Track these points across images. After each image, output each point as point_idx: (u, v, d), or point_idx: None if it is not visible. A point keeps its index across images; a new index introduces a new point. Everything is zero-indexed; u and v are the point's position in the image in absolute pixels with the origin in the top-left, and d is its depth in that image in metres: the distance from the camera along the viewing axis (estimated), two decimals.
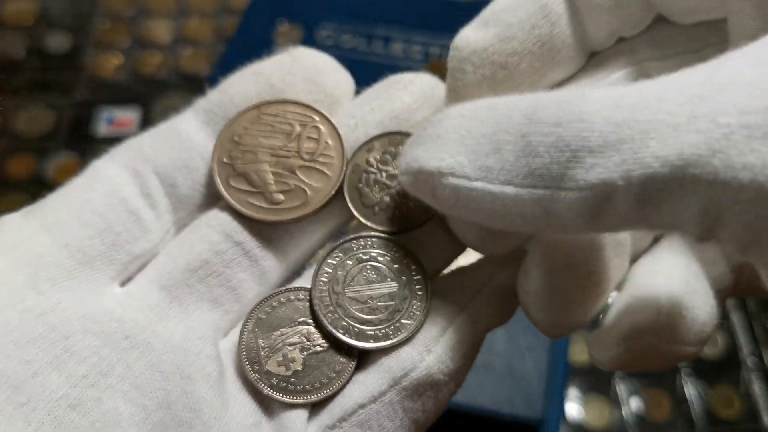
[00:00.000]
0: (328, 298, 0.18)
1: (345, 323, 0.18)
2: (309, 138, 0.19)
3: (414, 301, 0.18)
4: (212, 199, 0.19)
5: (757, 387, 0.41)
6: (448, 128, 0.15)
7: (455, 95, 0.18)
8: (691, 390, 0.41)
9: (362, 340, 0.18)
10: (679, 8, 0.17)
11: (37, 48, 0.56)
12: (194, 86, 0.53)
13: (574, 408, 0.41)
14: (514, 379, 0.35)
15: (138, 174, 0.18)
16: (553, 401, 0.38)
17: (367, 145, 0.19)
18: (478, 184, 0.14)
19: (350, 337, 0.18)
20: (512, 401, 0.35)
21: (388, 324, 0.18)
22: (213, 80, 0.47)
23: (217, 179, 0.19)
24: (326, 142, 0.19)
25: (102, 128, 0.51)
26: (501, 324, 0.19)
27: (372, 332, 0.18)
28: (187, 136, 0.19)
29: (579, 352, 0.43)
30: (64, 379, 0.16)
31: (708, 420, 0.40)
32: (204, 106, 0.20)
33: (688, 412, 0.41)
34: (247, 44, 0.47)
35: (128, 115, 0.52)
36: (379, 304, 0.18)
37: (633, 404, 0.41)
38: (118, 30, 0.57)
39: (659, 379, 0.42)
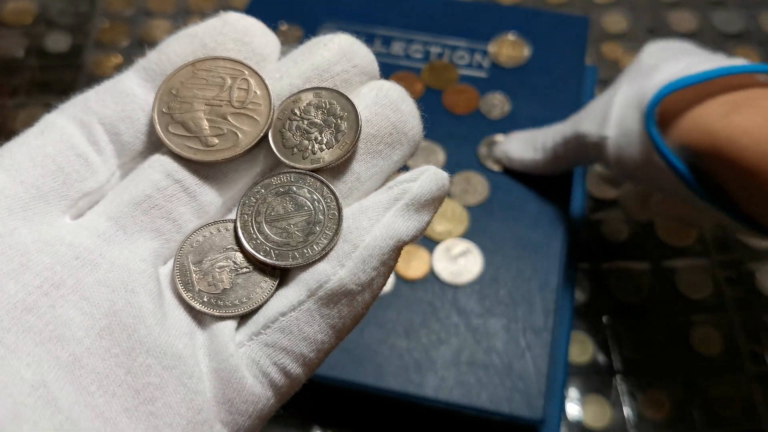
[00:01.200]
0: (251, 226, 0.21)
1: (266, 247, 0.20)
2: (239, 89, 0.21)
3: (328, 223, 0.21)
4: (152, 146, 0.22)
5: (757, 387, 0.41)
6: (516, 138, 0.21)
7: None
8: (691, 390, 0.41)
9: (282, 260, 0.20)
10: None
11: (37, 48, 0.56)
12: None
13: (574, 408, 0.41)
14: (514, 379, 0.35)
15: (85, 124, 0.21)
16: (553, 401, 0.38)
17: (294, 96, 0.22)
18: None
19: (270, 258, 0.20)
20: (512, 401, 0.35)
21: (304, 245, 0.20)
22: None
23: (158, 127, 0.21)
24: (255, 92, 0.21)
25: None
26: (415, 237, 0.21)
27: (290, 253, 0.20)
28: (130, 90, 0.21)
29: (579, 352, 0.43)
30: (21, 287, 0.18)
31: (708, 420, 0.40)
32: (143, 65, 0.22)
33: (688, 412, 0.41)
34: None
35: None
36: (295, 230, 0.21)
37: (633, 404, 0.41)
38: (117, 30, 0.57)
39: (659, 379, 0.42)
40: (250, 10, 0.48)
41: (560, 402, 0.39)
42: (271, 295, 0.20)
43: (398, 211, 0.20)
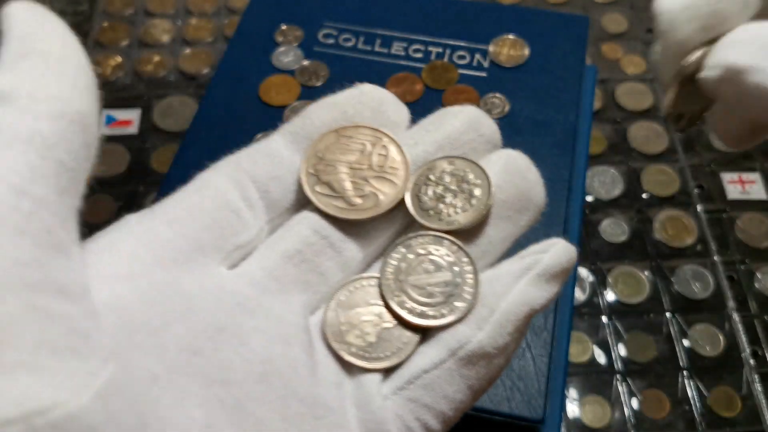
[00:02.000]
0: (393, 285, 0.22)
1: (408, 305, 0.22)
2: (379, 154, 0.24)
3: (465, 287, 0.22)
4: (298, 204, 0.23)
5: (758, 387, 0.41)
6: (752, 38, 0.23)
7: (669, 52, 0.25)
8: (691, 390, 0.41)
9: (423, 319, 0.21)
10: None
11: None
12: (194, 86, 0.53)
13: (574, 408, 0.41)
14: (513, 379, 0.35)
15: (238, 182, 0.22)
16: (553, 401, 0.38)
17: (429, 163, 0.24)
18: None
19: (413, 316, 0.21)
20: (512, 401, 0.35)
21: (445, 306, 0.22)
22: (213, 80, 0.47)
23: (306, 186, 0.23)
24: (393, 158, 0.24)
25: (102, 128, 0.51)
26: (545, 305, 0.22)
27: (431, 312, 0.21)
28: (278, 152, 0.23)
29: (579, 352, 0.43)
30: (188, 330, 0.19)
31: (708, 420, 0.40)
32: (289, 129, 0.24)
33: (688, 412, 0.41)
34: (247, 44, 0.47)
35: (128, 115, 0.52)
36: (436, 289, 0.22)
37: (633, 404, 0.41)
38: (117, 29, 0.57)
39: (659, 379, 0.42)
40: (250, 10, 0.48)
41: (560, 402, 0.39)
42: (413, 351, 0.21)
43: (531, 280, 0.22)
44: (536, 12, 0.49)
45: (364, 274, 0.23)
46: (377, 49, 0.46)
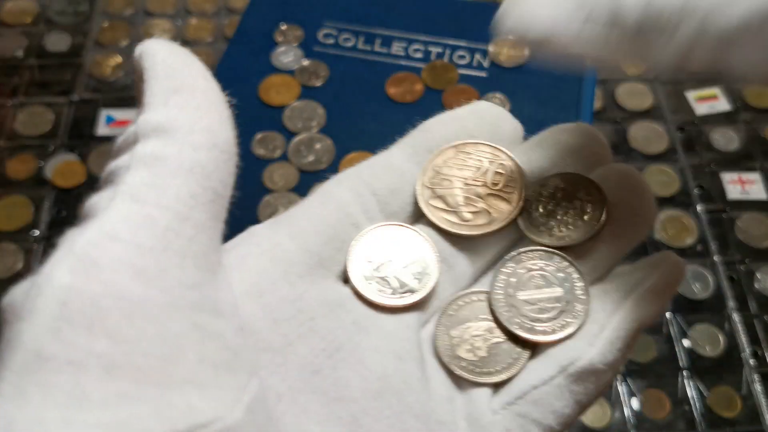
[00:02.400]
0: (503, 300, 0.22)
1: (518, 320, 0.22)
2: (496, 173, 0.24)
3: (576, 304, 0.22)
4: (415, 216, 0.24)
5: (757, 387, 0.41)
6: None
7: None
8: (691, 390, 0.41)
9: (533, 334, 0.21)
10: None
11: (36, 47, 0.56)
12: None
13: None
14: None
15: (359, 195, 0.23)
16: None
17: (543, 180, 0.24)
18: (579, 26, 0.19)
19: (523, 332, 0.22)
20: None
21: (555, 321, 0.21)
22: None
23: (420, 199, 0.23)
24: (510, 176, 0.24)
25: (102, 128, 0.51)
26: (651, 322, 0.22)
27: (541, 328, 0.21)
28: (398, 165, 0.24)
29: None
30: (309, 350, 0.20)
31: (708, 420, 0.40)
32: (410, 143, 0.24)
33: (688, 412, 0.41)
34: (247, 44, 0.47)
35: (128, 115, 0.51)
36: (547, 305, 0.22)
37: (633, 404, 0.41)
38: (117, 29, 0.57)
39: (659, 379, 0.42)
40: (250, 10, 0.48)
41: None
42: (523, 366, 0.21)
43: (641, 296, 0.21)
44: None
45: (474, 289, 0.23)
46: (377, 49, 0.46)
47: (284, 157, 0.41)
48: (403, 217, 0.23)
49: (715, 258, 0.46)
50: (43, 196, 0.48)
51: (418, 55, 0.46)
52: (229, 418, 0.16)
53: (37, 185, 0.48)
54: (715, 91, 0.55)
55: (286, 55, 0.46)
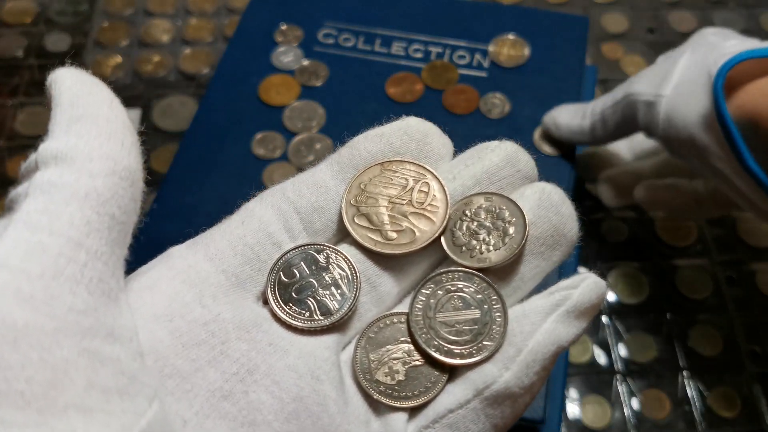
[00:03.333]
0: (422, 321, 0.22)
1: (436, 342, 0.22)
2: (420, 191, 0.24)
3: (494, 326, 0.22)
4: (340, 234, 0.24)
5: (758, 387, 0.41)
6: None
7: None
8: (691, 390, 0.41)
9: (450, 357, 0.21)
10: None
11: (36, 47, 0.56)
12: (194, 86, 0.53)
13: (574, 408, 0.41)
14: None
15: (282, 213, 0.23)
16: (553, 401, 0.38)
17: (466, 199, 0.24)
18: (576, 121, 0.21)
19: (440, 355, 0.22)
20: None
21: (472, 345, 0.21)
22: (213, 80, 0.47)
23: (345, 217, 0.23)
24: (434, 195, 0.24)
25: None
26: (573, 341, 0.22)
27: (459, 351, 0.22)
28: (323, 183, 0.24)
29: (579, 352, 0.43)
30: (220, 374, 0.20)
31: (708, 420, 0.40)
32: (336, 159, 0.24)
33: (688, 412, 0.41)
34: (247, 44, 0.46)
35: (128, 115, 0.51)
36: (464, 327, 0.22)
37: (633, 404, 0.41)
38: (117, 29, 0.57)
39: (659, 379, 0.42)
40: (250, 10, 0.48)
41: (560, 402, 0.39)
42: (441, 390, 0.21)
43: (559, 317, 0.22)
44: (536, 12, 0.49)
45: (394, 310, 0.23)
46: (377, 49, 0.46)
47: (284, 157, 0.41)
48: (327, 236, 0.23)
49: (715, 258, 0.46)
50: None
51: (418, 55, 0.46)
52: None
53: None
54: None
55: (286, 55, 0.46)
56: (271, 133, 0.42)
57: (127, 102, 0.53)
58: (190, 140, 0.42)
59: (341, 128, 0.42)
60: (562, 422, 0.40)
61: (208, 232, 0.23)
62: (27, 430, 0.15)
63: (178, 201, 0.39)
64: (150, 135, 0.51)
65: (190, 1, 0.58)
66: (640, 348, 0.43)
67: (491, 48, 0.46)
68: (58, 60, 0.54)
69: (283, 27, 0.47)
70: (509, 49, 0.46)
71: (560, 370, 0.40)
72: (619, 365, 0.42)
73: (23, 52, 0.55)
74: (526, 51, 0.46)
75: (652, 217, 0.48)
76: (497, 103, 0.44)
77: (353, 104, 0.43)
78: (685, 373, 0.42)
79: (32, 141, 0.50)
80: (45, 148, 0.19)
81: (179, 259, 0.22)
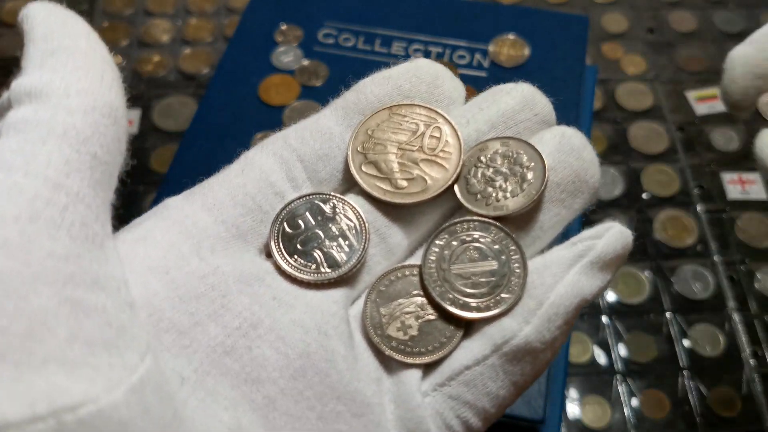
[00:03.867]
0: (436, 274, 0.21)
1: (451, 296, 0.20)
2: (432, 136, 0.22)
3: (512, 278, 0.20)
4: (346, 184, 0.22)
5: (758, 387, 0.41)
6: None
7: (730, 100, 0.27)
8: (691, 390, 0.41)
9: (467, 311, 0.20)
10: None
11: None
12: (194, 86, 0.53)
13: (574, 408, 0.41)
14: None
15: (284, 161, 0.21)
16: (553, 401, 0.38)
17: (481, 144, 0.22)
18: None
19: (456, 308, 0.20)
20: None
21: (490, 297, 0.20)
22: (213, 80, 0.47)
23: (352, 165, 0.22)
24: (446, 141, 0.22)
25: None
26: (596, 295, 0.21)
27: (475, 304, 0.20)
28: (327, 129, 0.22)
29: (579, 352, 0.43)
30: (221, 329, 0.19)
31: (708, 420, 0.40)
32: (341, 104, 0.23)
33: (688, 412, 0.41)
34: (247, 44, 0.47)
35: (128, 115, 0.51)
36: (481, 279, 0.21)
37: (633, 404, 0.41)
38: (117, 29, 0.57)
39: (659, 379, 0.42)
40: (250, 10, 0.48)
41: (560, 402, 0.39)
42: (456, 345, 0.20)
43: (582, 269, 0.20)
44: (536, 12, 0.49)
45: (406, 263, 0.22)
46: (377, 48, 0.46)
47: None
48: (333, 185, 0.22)
49: (715, 258, 0.46)
50: None
51: (419, 55, 0.46)
52: (104, 400, 0.15)
53: None
54: (715, 91, 0.55)
55: (286, 55, 0.46)
56: (271, 133, 0.42)
57: (127, 102, 0.53)
58: (190, 140, 0.42)
59: None
60: (562, 422, 0.40)
61: (206, 181, 0.21)
62: (1, 385, 0.14)
63: None
64: (150, 135, 0.51)
65: (190, 1, 0.58)
66: (640, 348, 0.43)
67: (491, 48, 0.46)
68: None
69: (283, 27, 0.47)
70: (509, 49, 0.46)
71: (560, 370, 0.40)
72: (619, 365, 0.42)
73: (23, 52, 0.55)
74: (526, 51, 0.46)
75: (650, 217, 0.48)
76: None
77: None
78: (685, 373, 0.42)
79: None
80: (18, 84, 0.18)
81: (175, 210, 0.20)
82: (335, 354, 0.19)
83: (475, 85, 0.44)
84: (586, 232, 0.21)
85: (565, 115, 0.42)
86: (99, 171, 0.17)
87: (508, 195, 0.21)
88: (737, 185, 0.50)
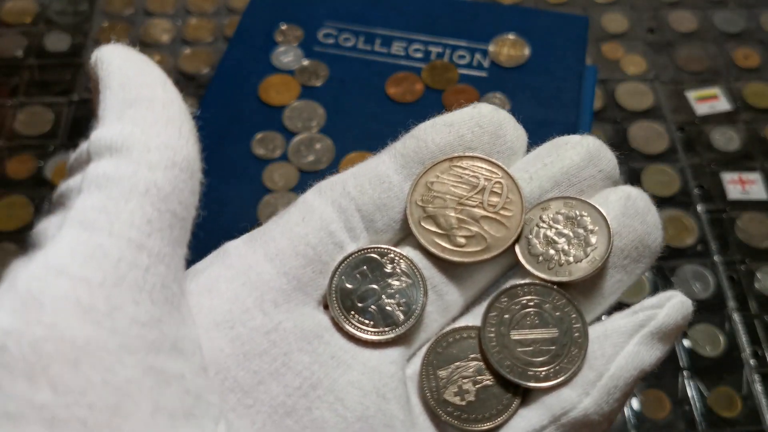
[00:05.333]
0: (495, 339, 0.20)
1: (509, 362, 0.20)
2: (493, 192, 0.22)
3: (573, 348, 0.20)
4: (404, 234, 0.22)
5: (758, 387, 0.41)
6: None
7: None
8: (691, 390, 0.41)
9: (525, 380, 0.20)
10: None
11: (36, 47, 0.56)
12: (194, 86, 0.53)
13: None
14: None
15: (343, 210, 0.21)
16: None
17: (544, 203, 0.22)
18: None
19: (514, 376, 0.20)
20: None
21: (550, 366, 0.20)
22: (213, 80, 0.47)
23: (410, 219, 0.21)
24: (508, 197, 0.21)
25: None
26: (654, 366, 0.20)
27: (533, 373, 0.20)
28: (386, 177, 0.21)
29: None
30: (282, 388, 0.18)
31: (709, 421, 0.40)
32: (401, 151, 0.22)
33: (688, 412, 0.41)
34: (247, 44, 0.46)
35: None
36: (541, 347, 0.20)
37: (633, 404, 0.41)
38: (117, 29, 0.57)
39: (659, 379, 0.42)
40: (250, 10, 0.48)
41: None
42: (513, 414, 0.20)
43: (642, 339, 0.20)
44: (536, 12, 0.49)
45: (464, 324, 0.21)
46: (377, 48, 0.46)
47: (284, 157, 0.41)
48: (389, 236, 0.22)
49: (715, 258, 0.46)
50: (43, 196, 0.48)
51: (418, 55, 0.46)
52: None
53: (37, 185, 0.48)
54: (715, 91, 0.55)
55: (286, 55, 0.46)
56: (271, 133, 0.42)
57: None
58: None
59: (341, 128, 0.42)
60: None
61: (265, 226, 0.21)
62: None
63: None
64: None
65: (190, 1, 0.58)
66: None
67: (491, 48, 0.46)
68: (59, 60, 0.54)
69: (283, 27, 0.47)
70: (509, 49, 0.46)
71: None
72: None
73: (23, 52, 0.55)
74: (526, 51, 0.46)
75: None
76: (497, 103, 0.44)
77: (353, 104, 0.43)
78: (685, 373, 0.42)
79: (32, 141, 0.50)
80: (98, 136, 0.17)
81: (237, 258, 0.20)
82: (394, 419, 0.19)
83: (475, 85, 0.44)
84: (647, 301, 0.21)
85: (565, 115, 0.42)
86: (177, 228, 0.17)
87: (572, 260, 0.21)
88: (737, 185, 0.50)
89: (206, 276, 0.20)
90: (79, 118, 0.51)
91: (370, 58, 0.46)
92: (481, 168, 0.22)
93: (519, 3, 0.59)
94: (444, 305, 0.21)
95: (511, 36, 0.46)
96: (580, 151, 0.22)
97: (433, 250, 0.21)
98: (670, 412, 0.41)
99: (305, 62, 0.45)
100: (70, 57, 0.55)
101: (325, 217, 0.21)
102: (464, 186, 0.22)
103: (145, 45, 0.56)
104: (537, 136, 0.42)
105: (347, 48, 0.46)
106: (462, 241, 0.21)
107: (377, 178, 0.21)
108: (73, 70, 0.54)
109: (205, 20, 0.57)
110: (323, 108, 0.43)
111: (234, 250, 0.20)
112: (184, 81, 0.54)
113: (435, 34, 0.47)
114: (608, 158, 0.22)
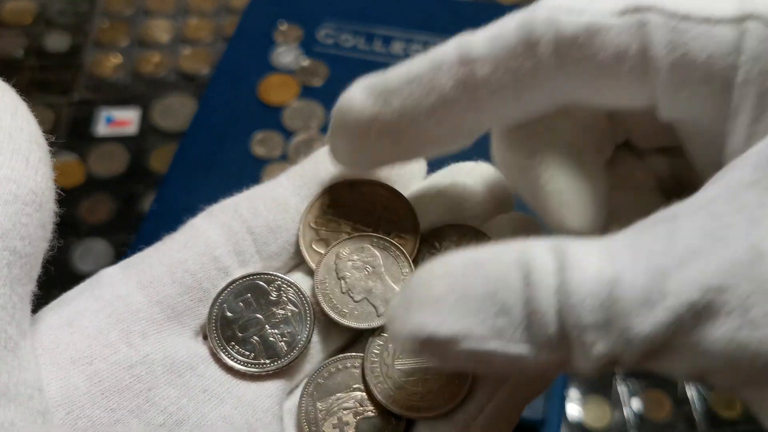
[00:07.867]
0: (378, 369, 0.20)
1: (392, 393, 0.19)
2: (389, 219, 0.21)
3: (456, 378, 0.19)
4: (297, 258, 0.21)
5: None
6: (443, 289, 0.15)
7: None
8: (691, 390, 0.41)
9: (407, 411, 0.19)
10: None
11: (36, 47, 0.56)
12: (194, 86, 0.53)
13: (574, 408, 0.41)
14: None
15: (233, 233, 0.20)
16: (553, 401, 0.38)
17: (436, 232, 0.21)
18: (494, 344, 0.14)
19: (396, 407, 0.19)
20: None
21: (433, 397, 0.19)
22: (213, 80, 0.47)
23: (302, 241, 0.20)
24: (403, 227, 0.21)
25: (101, 128, 0.51)
26: (538, 395, 0.20)
27: (416, 404, 0.19)
28: (283, 199, 0.21)
29: None
30: (143, 426, 0.17)
31: (709, 421, 0.40)
32: (299, 172, 0.21)
33: (688, 412, 0.41)
34: (247, 44, 0.47)
35: (127, 115, 0.51)
36: (425, 377, 0.19)
37: (633, 404, 0.41)
38: (117, 29, 0.57)
39: (660, 379, 0.42)
40: (250, 10, 0.48)
41: (560, 402, 0.39)
42: None
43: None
44: None
45: (347, 354, 0.20)
46: (377, 48, 0.46)
47: (284, 157, 0.41)
48: (284, 259, 0.21)
49: None
50: None
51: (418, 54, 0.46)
52: None
53: None
54: None
55: (286, 55, 0.46)
56: (270, 132, 0.42)
57: (127, 102, 0.53)
58: (190, 140, 0.42)
59: None
60: (562, 422, 0.40)
61: (146, 251, 0.20)
62: None
63: (178, 201, 0.39)
64: (150, 135, 0.51)
65: (190, 1, 0.58)
66: None
67: None
68: (58, 60, 0.54)
69: (283, 27, 0.47)
70: None
71: None
72: None
73: (23, 52, 0.55)
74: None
75: None
76: None
77: None
78: None
79: None
80: None
81: (108, 288, 0.19)
82: None
83: None
84: None
85: None
86: (17, 266, 0.16)
87: None
88: None
89: (71, 308, 0.18)
90: (78, 118, 0.51)
91: (370, 58, 0.46)
92: (381, 195, 0.21)
93: (519, 3, 0.59)
94: (331, 334, 0.20)
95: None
96: (475, 177, 0.22)
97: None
98: (670, 412, 0.41)
99: (305, 62, 0.45)
100: (70, 57, 0.55)
101: (211, 241, 0.20)
102: (360, 211, 0.21)
103: (145, 45, 0.56)
104: None
105: (347, 48, 0.46)
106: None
107: (273, 200, 0.21)
108: (73, 70, 0.54)
109: (205, 20, 0.57)
110: (323, 108, 0.43)
111: (107, 279, 0.19)
112: (184, 81, 0.54)
113: (435, 34, 0.47)
114: (502, 185, 0.22)
